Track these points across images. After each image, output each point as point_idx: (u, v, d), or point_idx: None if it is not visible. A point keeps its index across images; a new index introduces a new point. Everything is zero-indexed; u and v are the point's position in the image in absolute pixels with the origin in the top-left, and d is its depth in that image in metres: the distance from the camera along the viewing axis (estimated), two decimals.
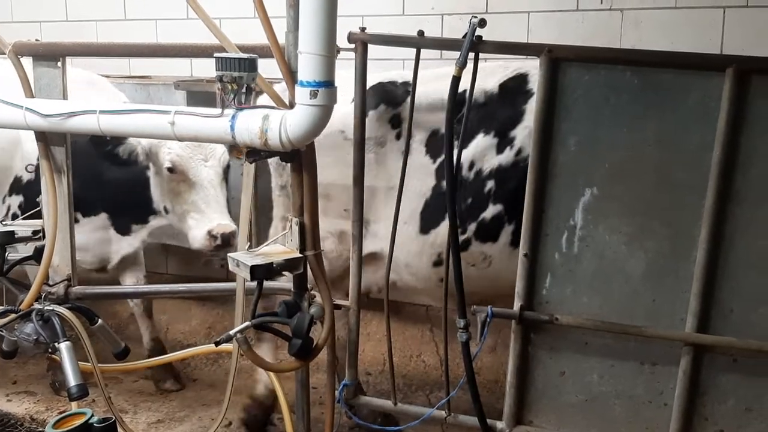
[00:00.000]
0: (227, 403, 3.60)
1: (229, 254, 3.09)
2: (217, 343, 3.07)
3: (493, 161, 3.58)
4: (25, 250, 3.97)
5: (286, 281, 3.44)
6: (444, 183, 3.57)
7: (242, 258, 2.99)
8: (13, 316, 3.60)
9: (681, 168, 3.12)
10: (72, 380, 3.38)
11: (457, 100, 3.45)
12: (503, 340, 4.69)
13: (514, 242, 3.57)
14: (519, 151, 3.55)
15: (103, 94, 4.65)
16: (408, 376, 5.17)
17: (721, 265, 3.12)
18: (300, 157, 3.02)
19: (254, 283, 3.00)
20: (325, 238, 3.67)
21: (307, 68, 2.73)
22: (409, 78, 3.63)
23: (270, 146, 2.86)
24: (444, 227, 3.61)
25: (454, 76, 3.17)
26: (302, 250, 3.08)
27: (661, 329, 3.21)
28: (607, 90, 3.14)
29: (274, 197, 4.07)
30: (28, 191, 4.53)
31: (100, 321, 3.81)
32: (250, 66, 2.84)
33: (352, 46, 3.32)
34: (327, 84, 2.75)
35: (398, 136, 3.66)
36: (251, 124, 2.85)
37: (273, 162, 3.93)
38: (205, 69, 4.92)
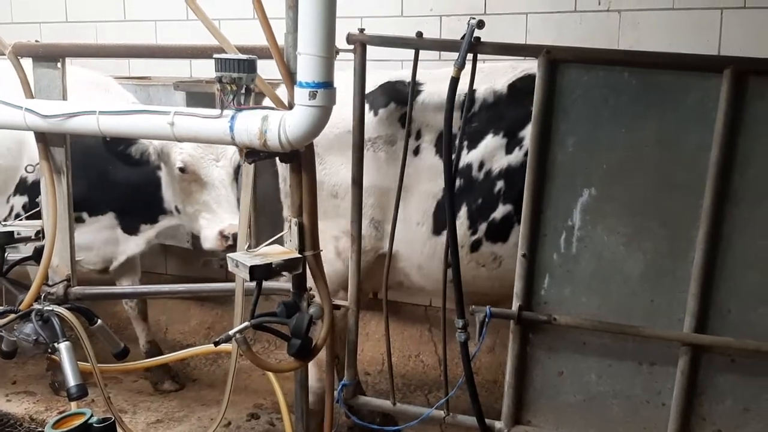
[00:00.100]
0: (226, 403, 3.60)
1: (228, 254, 3.10)
2: (216, 344, 3.07)
3: (502, 161, 3.57)
4: (27, 250, 3.97)
5: (285, 281, 3.44)
6: (456, 183, 3.59)
7: (241, 258, 2.99)
8: (12, 316, 3.60)
9: (679, 168, 3.13)
10: (71, 380, 3.38)
11: (468, 100, 3.47)
12: (502, 340, 4.71)
13: None
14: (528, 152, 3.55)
15: (110, 94, 4.65)
16: (407, 376, 5.18)
17: (719, 265, 3.12)
18: (299, 157, 3.03)
19: (253, 284, 3.01)
20: (338, 237, 3.69)
21: (306, 69, 2.74)
22: (417, 77, 3.65)
23: (269, 147, 2.87)
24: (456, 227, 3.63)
25: (452, 78, 3.18)
26: (301, 250, 3.09)
27: (659, 329, 3.22)
28: (606, 91, 3.15)
29: (283, 198, 4.07)
30: (32, 192, 4.53)
31: (99, 321, 3.81)
32: (250, 67, 2.85)
33: (351, 47, 3.33)
34: (326, 85, 2.76)
35: (408, 135, 3.65)
36: (250, 124, 2.86)
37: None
38: (205, 70, 4.94)
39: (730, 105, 2.99)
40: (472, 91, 3.53)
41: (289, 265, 3.04)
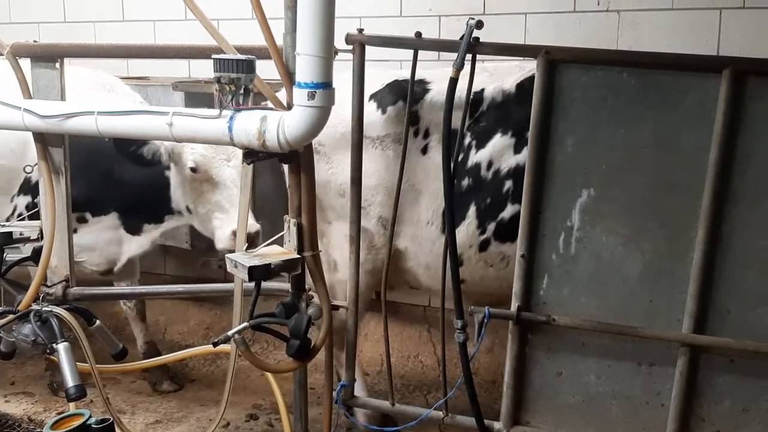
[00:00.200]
0: (225, 403, 3.60)
1: (227, 255, 3.10)
2: (215, 344, 3.07)
3: (510, 161, 3.56)
4: (27, 250, 3.97)
5: (284, 282, 3.44)
6: (463, 182, 3.61)
7: (240, 259, 2.99)
8: (11, 317, 3.61)
9: (678, 169, 3.13)
10: (70, 381, 3.38)
11: (473, 100, 3.51)
12: (501, 340, 4.71)
13: None
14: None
15: (116, 95, 4.64)
16: (406, 377, 5.17)
17: (718, 265, 3.12)
18: (298, 158, 3.03)
19: (252, 284, 3.01)
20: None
21: (305, 69, 2.74)
22: (424, 76, 3.67)
23: (268, 147, 2.86)
24: (464, 227, 3.64)
25: (451, 78, 3.18)
26: (300, 251, 3.08)
27: (658, 330, 3.21)
28: (605, 91, 3.15)
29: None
30: (36, 192, 4.52)
31: (98, 322, 3.81)
32: (248, 67, 2.84)
33: (350, 47, 3.33)
34: (325, 85, 2.76)
35: (416, 134, 3.65)
36: (249, 125, 2.85)
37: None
38: (204, 70, 4.94)
39: (729, 105, 2.99)
40: (475, 92, 3.57)
41: (287, 265, 3.04)
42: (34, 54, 3.69)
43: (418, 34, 3.34)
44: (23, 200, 4.60)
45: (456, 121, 3.49)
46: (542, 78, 3.16)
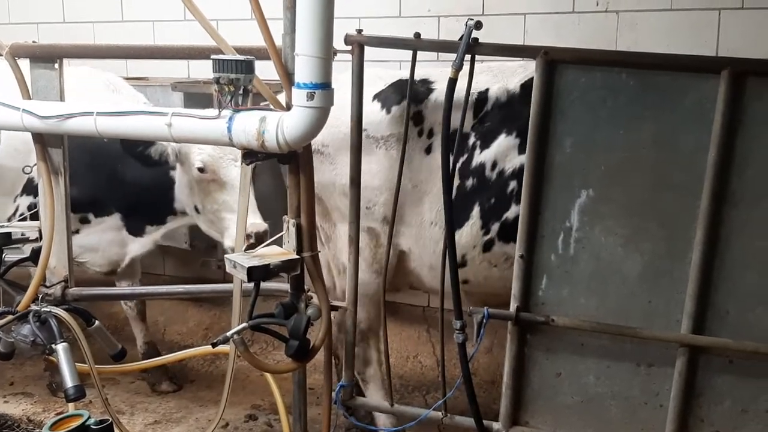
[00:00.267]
0: (224, 404, 3.60)
1: (226, 256, 3.10)
2: (214, 345, 3.08)
3: (515, 161, 3.55)
4: (27, 251, 3.97)
5: (283, 282, 3.44)
6: (468, 182, 3.60)
7: (239, 259, 2.99)
8: (10, 317, 3.60)
9: (677, 170, 3.13)
10: (69, 381, 3.38)
11: (477, 99, 3.54)
12: (500, 341, 4.71)
13: None
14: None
15: (120, 95, 4.64)
16: (405, 377, 5.17)
17: (717, 266, 3.12)
18: (297, 158, 3.03)
19: (251, 285, 3.01)
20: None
21: (304, 70, 2.74)
22: (428, 75, 3.66)
23: (267, 148, 2.86)
24: (468, 227, 3.63)
25: (450, 78, 3.18)
26: (299, 251, 3.08)
27: (657, 330, 3.21)
28: (604, 92, 3.15)
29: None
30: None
31: (97, 322, 3.81)
32: (247, 68, 2.84)
33: (349, 48, 3.33)
34: (324, 86, 2.76)
35: (420, 133, 3.64)
36: (248, 125, 2.85)
37: None
38: (203, 70, 4.94)
39: (728, 106, 2.99)
40: (479, 92, 3.57)
41: (286, 266, 3.03)
42: (33, 54, 3.69)
43: (417, 35, 3.34)
44: (26, 201, 4.60)
45: (461, 121, 3.51)
46: (541, 79, 3.16)
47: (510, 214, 3.57)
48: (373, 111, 3.65)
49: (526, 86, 3.53)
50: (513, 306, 3.33)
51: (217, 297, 5.39)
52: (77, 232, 4.58)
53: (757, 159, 3.03)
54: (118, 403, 4.76)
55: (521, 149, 3.51)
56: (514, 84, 3.57)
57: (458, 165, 3.58)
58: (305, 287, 3.18)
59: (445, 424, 3.62)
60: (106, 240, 4.69)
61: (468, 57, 3.22)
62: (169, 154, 4.31)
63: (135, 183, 4.49)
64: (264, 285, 3.03)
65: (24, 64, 3.69)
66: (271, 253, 3.08)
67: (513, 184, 3.56)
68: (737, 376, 3.20)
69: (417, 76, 3.62)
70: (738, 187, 3.06)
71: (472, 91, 3.48)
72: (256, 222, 4.16)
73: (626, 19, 4.59)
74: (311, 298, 3.20)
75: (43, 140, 3.69)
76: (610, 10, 4.62)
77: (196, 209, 4.45)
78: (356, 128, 3.41)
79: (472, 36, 3.14)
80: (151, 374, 5.02)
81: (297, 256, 3.07)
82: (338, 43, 3.02)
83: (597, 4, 4.64)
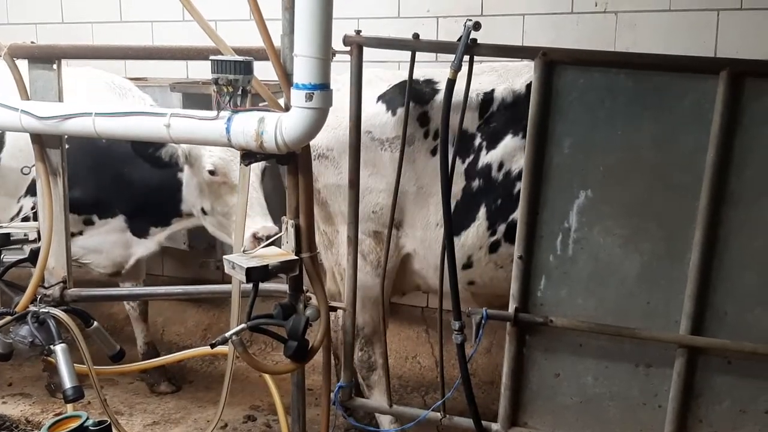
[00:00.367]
0: (223, 404, 3.60)
1: (224, 256, 3.09)
2: (212, 345, 3.07)
3: (521, 162, 3.50)
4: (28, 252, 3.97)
5: (282, 283, 3.44)
6: (474, 183, 3.60)
7: (238, 260, 2.99)
8: (8, 318, 3.60)
9: (676, 170, 3.13)
10: (68, 382, 3.38)
11: (483, 100, 3.53)
12: (498, 341, 4.71)
13: None
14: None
15: (126, 97, 4.64)
16: (404, 378, 5.17)
17: (715, 266, 3.12)
18: (296, 159, 3.03)
19: (250, 286, 3.01)
20: (361, 240, 3.68)
21: (303, 71, 2.74)
22: (432, 75, 3.65)
23: (266, 149, 2.86)
24: (474, 229, 3.63)
25: (448, 79, 3.18)
26: (298, 252, 3.08)
27: (655, 331, 3.22)
28: (602, 93, 3.15)
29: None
30: None
31: (95, 323, 3.81)
32: (246, 69, 2.84)
33: (348, 48, 3.32)
34: (322, 87, 2.76)
35: (426, 135, 3.62)
36: (247, 126, 2.85)
37: None
38: (201, 71, 4.95)
39: (727, 107, 2.99)
40: (485, 92, 3.57)
41: (285, 267, 3.03)
42: (31, 55, 3.68)
43: (416, 36, 3.34)
44: (29, 201, 4.60)
45: (466, 122, 3.51)
46: (540, 79, 3.16)
47: (516, 215, 3.56)
48: (378, 113, 3.65)
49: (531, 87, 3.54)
50: (512, 307, 3.33)
51: (216, 298, 5.39)
52: (81, 233, 4.59)
53: (755, 159, 3.03)
54: (116, 403, 4.75)
55: None
56: (519, 84, 3.56)
57: (464, 166, 3.59)
58: (304, 288, 3.18)
59: (444, 425, 3.62)
60: (109, 241, 4.70)
61: (467, 58, 3.21)
62: (179, 156, 4.32)
63: (141, 184, 4.49)
64: (263, 286, 3.03)
65: (22, 64, 3.69)
66: (269, 254, 3.08)
67: (519, 185, 3.54)
68: (736, 377, 3.20)
69: (422, 77, 3.63)
70: (737, 188, 3.06)
71: (478, 91, 3.50)
72: (267, 225, 4.16)
73: (625, 19, 4.59)
74: (310, 298, 3.20)
75: (41, 141, 3.69)
76: (608, 10, 4.62)
77: (203, 211, 4.45)
78: (354, 129, 3.40)
79: (471, 37, 3.14)
80: (149, 375, 5.01)
81: (296, 257, 3.07)
82: (337, 43, 3.02)
83: (596, 5, 4.64)
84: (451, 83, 3.19)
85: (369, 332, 3.90)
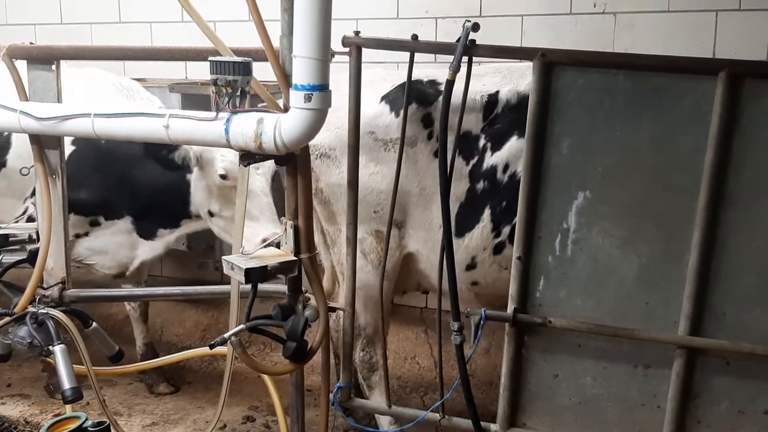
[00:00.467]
0: (222, 405, 3.59)
1: (223, 257, 3.10)
2: (211, 346, 3.07)
3: None
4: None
5: (281, 284, 3.44)
6: (478, 185, 3.60)
7: (237, 261, 2.99)
8: (7, 319, 3.60)
9: (675, 171, 3.13)
10: (66, 383, 3.38)
11: (488, 102, 3.54)
12: (497, 342, 4.72)
13: None
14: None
15: (134, 99, 4.64)
16: (402, 378, 5.18)
17: (714, 267, 3.12)
18: (295, 160, 3.03)
19: (249, 286, 3.01)
20: (363, 239, 3.69)
21: (302, 72, 2.74)
22: (434, 76, 3.64)
23: (265, 150, 2.86)
24: (479, 230, 3.63)
25: (447, 80, 3.18)
26: (296, 253, 3.08)
27: (654, 332, 3.22)
28: (601, 93, 3.15)
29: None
30: None
31: (94, 324, 3.81)
32: (245, 69, 2.84)
33: (347, 49, 3.33)
34: (321, 87, 2.76)
35: (430, 136, 3.61)
36: (246, 127, 2.85)
37: None
38: (200, 72, 4.95)
39: (725, 107, 2.99)
40: (489, 94, 3.57)
41: (284, 267, 3.04)
42: (30, 56, 3.68)
43: (415, 37, 3.34)
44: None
45: (470, 123, 3.51)
46: (538, 80, 3.16)
47: None
48: (381, 113, 3.65)
49: None
50: (510, 307, 3.33)
51: (215, 298, 5.39)
52: (87, 234, 4.59)
53: (754, 160, 3.03)
54: (115, 404, 4.76)
55: None
56: (524, 86, 3.55)
57: (469, 168, 3.59)
58: (303, 289, 3.18)
59: (442, 426, 3.62)
60: (115, 243, 4.70)
61: (466, 59, 3.21)
62: (191, 159, 4.33)
63: (150, 186, 4.50)
64: (261, 286, 3.04)
65: (21, 65, 3.68)
66: (268, 255, 3.09)
67: None
68: (734, 378, 3.20)
69: (425, 77, 3.63)
70: (735, 189, 3.06)
71: (482, 93, 3.50)
72: (277, 231, 4.15)
73: (624, 20, 4.60)
74: (309, 299, 3.20)
75: (40, 141, 3.69)
76: (607, 11, 4.62)
77: (210, 213, 4.46)
78: (353, 130, 3.40)
79: (470, 38, 3.14)
80: (148, 376, 5.02)
81: (294, 258, 3.07)
82: (336, 44, 3.02)
83: (594, 6, 4.65)
84: (449, 84, 3.19)
85: (371, 332, 3.91)
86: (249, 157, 2.98)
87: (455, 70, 3.16)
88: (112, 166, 4.45)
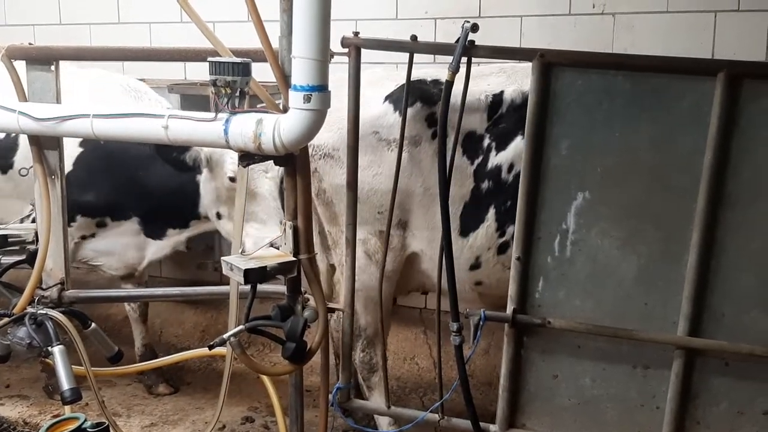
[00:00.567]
0: (221, 406, 3.59)
1: (222, 258, 3.10)
2: (210, 347, 3.07)
3: None
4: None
5: (280, 285, 3.44)
6: (483, 185, 3.60)
7: (236, 262, 2.99)
8: (6, 320, 3.60)
9: (674, 172, 3.13)
10: (65, 384, 3.38)
11: (492, 102, 3.54)
12: (496, 342, 4.71)
13: None
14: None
15: (141, 100, 4.63)
16: (402, 379, 5.18)
17: (713, 268, 3.12)
18: (294, 161, 3.03)
19: (248, 287, 3.01)
20: (366, 240, 3.69)
21: (301, 72, 2.74)
22: (438, 76, 3.63)
23: (264, 150, 2.87)
24: (483, 230, 3.63)
25: (446, 81, 3.18)
26: (296, 253, 3.08)
27: (653, 332, 3.22)
28: (600, 94, 3.15)
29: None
30: None
31: (93, 325, 3.81)
32: (244, 70, 2.84)
33: (346, 50, 3.33)
34: (320, 88, 2.76)
35: (434, 136, 3.59)
36: (245, 128, 2.85)
37: None
38: (200, 72, 4.95)
39: (724, 108, 2.99)
40: (494, 94, 3.57)
41: (283, 268, 3.04)
42: (29, 56, 3.68)
43: (414, 37, 3.33)
44: None
45: (475, 123, 3.52)
46: (537, 81, 3.16)
47: None
48: (385, 113, 3.64)
49: None
50: (510, 308, 3.33)
51: (214, 299, 5.39)
52: (93, 236, 4.59)
53: (753, 161, 3.03)
54: (114, 405, 4.75)
55: None
56: (528, 86, 3.56)
57: (473, 167, 3.59)
58: (302, 289, 3.18)
59: (442, 426, 3.61)
60: (122, 244, 4.70)
61: (465, 59, 3.21)
62: (202, 160, 4.33)
63: (159, 187, 4.50)
64: (261, 287, 3.04)
65: (20, 66, 3.68)
66: (267, 256, 3.09)
67: None
68: (733, 378, 3.20)
69: (429, 77, 3.63)
70: (734, 189, 3.06)
71: (486, 93, 3.49)
72: None
73: (623, 21, 4.60)
74: (308, 300, 3.20)
75: (39, 142, 3.69)
76: (606, 12, 4.62)
77: (218, 215, 4.46)
78: (353, 131, 3.39)
79: (469, 38, 3.14)
80: (147, 376, 5.01)
81: (294, 259, 3.07)
82: (335, 45, 3.02)
83: (593, 6, 4.65)
84: (449, 85, 3.19)
85: (371, 333, 3.90)
86: (248, 157, 2.98)
87: (454, 70, 3.16)
88: (120, 167, 4.46)
